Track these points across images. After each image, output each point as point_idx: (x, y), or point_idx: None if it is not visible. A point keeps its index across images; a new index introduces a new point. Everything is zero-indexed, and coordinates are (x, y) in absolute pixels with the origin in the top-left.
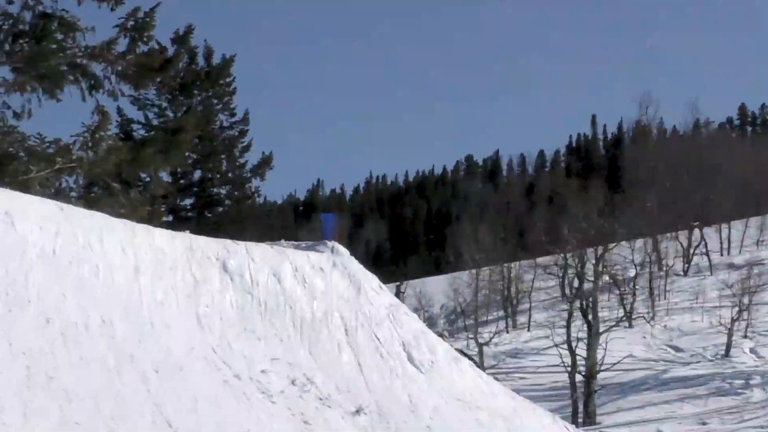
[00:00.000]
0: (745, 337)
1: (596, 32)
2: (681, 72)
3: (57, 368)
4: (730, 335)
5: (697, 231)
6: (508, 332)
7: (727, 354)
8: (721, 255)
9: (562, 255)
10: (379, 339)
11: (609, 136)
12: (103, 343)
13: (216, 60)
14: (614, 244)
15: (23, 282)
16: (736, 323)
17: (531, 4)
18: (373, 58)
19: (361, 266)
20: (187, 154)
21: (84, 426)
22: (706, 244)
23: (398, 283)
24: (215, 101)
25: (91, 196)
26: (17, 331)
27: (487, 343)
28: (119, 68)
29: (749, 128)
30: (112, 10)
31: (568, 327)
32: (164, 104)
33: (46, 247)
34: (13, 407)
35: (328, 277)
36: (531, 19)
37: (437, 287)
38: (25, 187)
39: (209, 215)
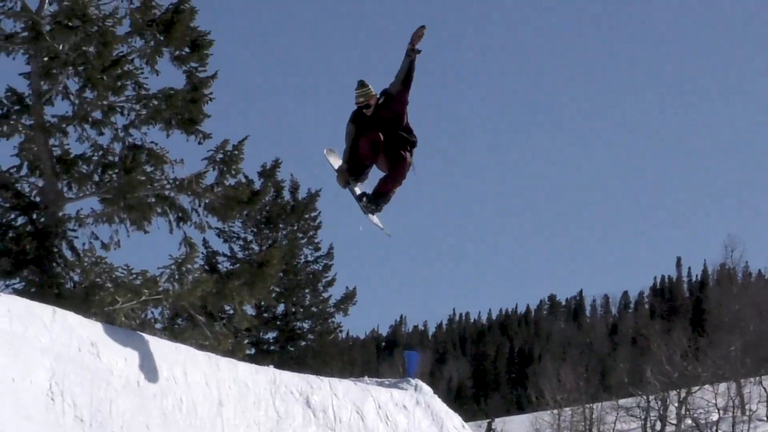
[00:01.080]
0: None
1: (681, 174)
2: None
3: None
4: None
5: None
6: None
7: None
8: None
9: (645, 397)
10: None
11: (694, 278)
12: None
13: (302, 194)
14: (697, 388)
15: (107, 411)
16: None
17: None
18: (449, 197)
19: (444, 404)
20: (271, 288)
21: None
22: None
23: (490, 420)
24: (300, 235)
25: (176, 328)
26: None
27: None
28: (207, 200)
29: None
30: (199, 143)
31: None
32: (250, 237)
33: (131, 378)
34: None
35: (411, 415)
36: (618, 159)
37: (519, 426)
38: (110, 318)
39: (292, 349)
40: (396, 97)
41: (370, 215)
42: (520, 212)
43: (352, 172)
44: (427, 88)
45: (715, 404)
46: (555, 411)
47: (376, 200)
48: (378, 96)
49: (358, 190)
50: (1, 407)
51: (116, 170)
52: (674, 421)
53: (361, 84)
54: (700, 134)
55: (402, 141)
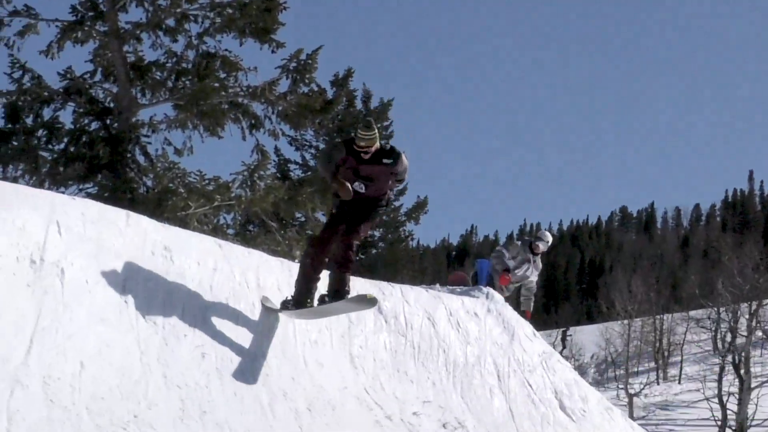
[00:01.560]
0: None
1: (755, 87)
2: None
3: (211, 402)
4: None
5: None
6: (658, 384)
7: None
8: None
9: (716, 309)
10: (531, 386)
11: (766, 192)
12: (258, 379)
13: (374, 104)
14: None
15: (180, 315)
16: None
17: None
18: (523, 102)
19: (515, 313)
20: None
21: None
22: None
23: (565, 329)
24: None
25: (248, 234)
26: (173, 365)
27: (637, 394)
28: (279, 108)
29: None
30: (273, 52)
31: (719, 381)
32: (321, 145)
33: (204, 283)
34: None
35: (482, 323)
36: (692, 75)
37: (589, 336)
38: (183, 223)
39: (363, 256)
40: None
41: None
42: (593, 123)
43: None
44: None
45: None
46: (625, 321)
47: (335, 299)
48: (380, 145)
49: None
50: (77, 310)
51: (190, 77)
52: (744, 333)
53: (367, 126)
54: None
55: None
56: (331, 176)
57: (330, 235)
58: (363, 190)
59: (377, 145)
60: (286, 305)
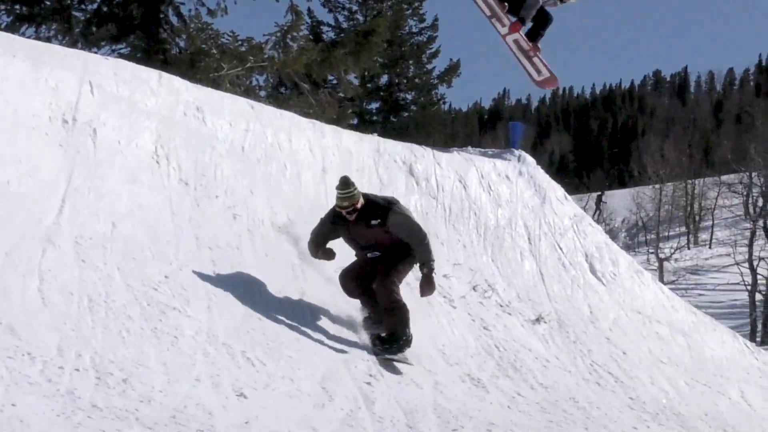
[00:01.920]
0: None
1: None
2: None
3: (242, 263)
4: None
5: None
6: (689, 248)
7: None
8: None
9: (748, 174)
10: (561, 249)
11: None
12: (288, 240)
13: None
14: None
15: (212, 176)
16: None
17: None
18: None
19: (547, 176)
20: (375, 58)
21: (267, 321)
22: None
23: (600, 193)
24: (405, 6)
25: (280, 96)
26: (205, 225)
27: (667, 259)
28: None
29: None
30: None
31: (750, 246)
32: (354, 8)
33: (236, 144)
34: (199, 301)
35: (513, 186)
36: None
37: (620, 201)
38: (216, 84)
39: (395, 119)
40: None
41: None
42: None
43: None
44: None
45: None
46: (657, 186)
47: (392, 343)
48: (366, 201)
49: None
50: (109, 170)
51: None
52: None
53: (344, 183)
54: None
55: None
56: (315, 255)
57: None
58: (376, 255)
59: (361, 201)
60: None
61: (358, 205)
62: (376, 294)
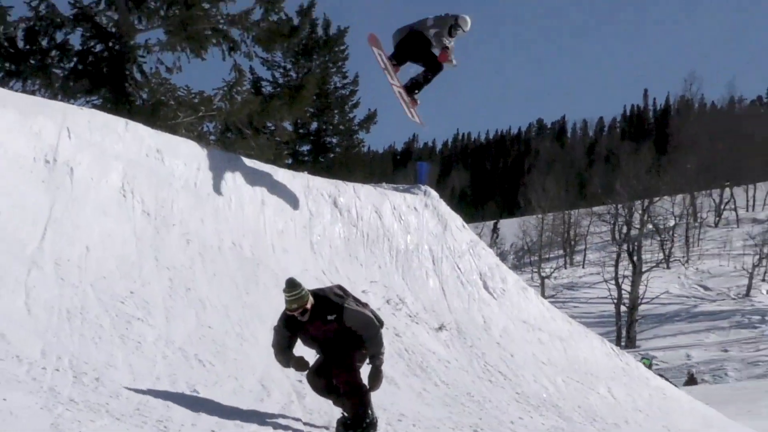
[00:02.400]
0: (764, 280)
1: (649, 20)
2: (722, 54)
3: (195, 281)
4: (750, 278)
5: (727, 190)
6: (566, 268)
7: (747, 294)
8: (747, 211)
9: (615, 205)
10: (460, 269)
11: (658, 107)
12: (233, 262)
13: (332, 31)
14: (658, 198)
15: (169, 208)
16: (757, 268)
17: None
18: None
19: (448, 207)
20: (306, 108)
21: (215, 329)
22: (734, 201)
23: (495, 221)
24: (330, 65)
25: (227, 140)
26: (163, 249)
27: (548, 277)
28: (254, 34)
29: None
30: None
31: (616, 266)
32: (289, 66)
33: (189, 180)
34: (159, 312)
35: (420, 216)
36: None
37: (509, 228)
38: (173, 130)
39: (322, 159)
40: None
41: None
42: (513, 48)
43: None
44: None
45: (673, 212)
46: (539, 215)
47: (356, 427)
48: (317, 299)
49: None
50: (82, 204)
51: (179, 6)
52: (638, 226)
53: (291, 285)
54: None
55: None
56: (287, 365)
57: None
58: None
59: (310, 300)
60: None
61: (308, 306)
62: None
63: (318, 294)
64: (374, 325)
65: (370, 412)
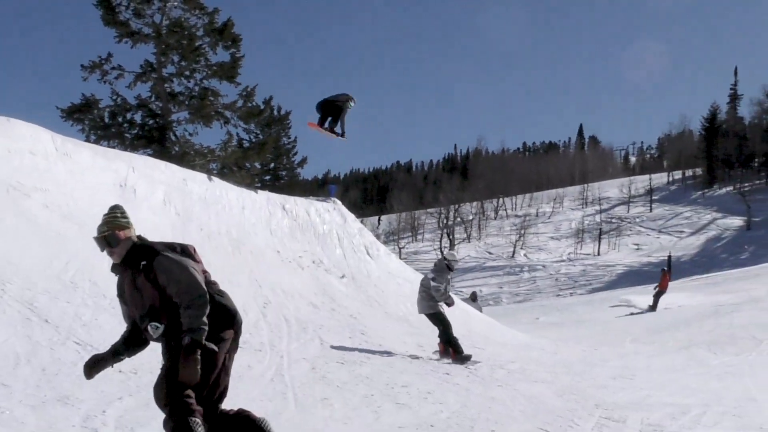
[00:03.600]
0: (521, 248)
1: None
2: (498, 118)
3: (204, 251)
4: (514, 247)
5: (501, 199)
6: (412, 243)
7: (512, 256)
8: (512, 210)
9: (440, 208)
10: (353, 243)
11: (462, 153)
12: (226, 240)
13: (283, 111)
14: (463, 204)
15: (190, 211)
16: (518, 242)
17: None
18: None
19: (347, 210)
20: (268, 155)
21: (216, 276)
22: (505, 205)
23: (379, 217)
24: (282, 131)
25: (223, 174)
26: (187, 234)
27: (403, 248)
28: (238, 114)
29: (527, 152)
30: (235, 86)
31: (440, 241)
32: (258, 132)
33: (201, 195)
34: None
35: (331, 214)
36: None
37: (382, 221)
38: (192, 168)
39: (277, 184)
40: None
41: None
42: (379, 110)
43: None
44: None
45: (472, 212)
46: (399, 214)
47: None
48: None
49: None
50: (141, 209)
51: (197, 99)
52: (452, 220)
53: (111, 208)
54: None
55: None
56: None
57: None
58: (159, 332)
59: (129, 234)
60: None
61: (121, 235)
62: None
63: (145, 241)
64: (193, 286)
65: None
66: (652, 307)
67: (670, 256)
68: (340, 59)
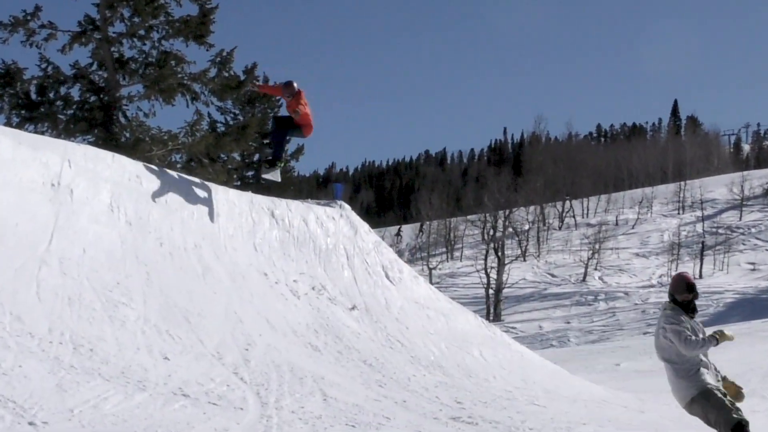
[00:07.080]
0: (595, 269)
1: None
2: (562, 98)
3: (164, 273)
4: (586, 268)
5: (567, 202)
6: (447, 261)
7: (583, 279)
8: (582, 217)
9: (483, 214)
10: (367, 263)
11: (515, 140)
12: (194, 258)
13: (271, 83)
14: (516, 209)
15: (146, 219)
16: (590, 260)
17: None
18: (353, 72)
19: (358, 217)
20: (250, 143)
21: (180, 308)
22: (573, 210)
23: (399, 227)
24: (269, 111)
25: (190, 167)
26: (142, 250)
27: (434, 268)
28: (210, 87)
29: (602, 138)
30: (206, 50)
31: (485, 259)
32: (237, 111)
33: (161, 198)
34: (138, 297)
35: (336, 223)
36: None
37: (405, 232)
38: (148, 160)
39: (263, 182)
40: None
41: None
42: (405, 89)
43: None
44: None
45: (527, 219)
46: (427, 222)
47: None
48: None
49: None
50: (80, 216)
51: (153, 67)
52: (501, 230)
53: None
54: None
55: None
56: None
57: None
58: None
59: None
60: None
61: None
62: None
63: None
64: None
65: None
66: None
67: None
68: (347, 13)
